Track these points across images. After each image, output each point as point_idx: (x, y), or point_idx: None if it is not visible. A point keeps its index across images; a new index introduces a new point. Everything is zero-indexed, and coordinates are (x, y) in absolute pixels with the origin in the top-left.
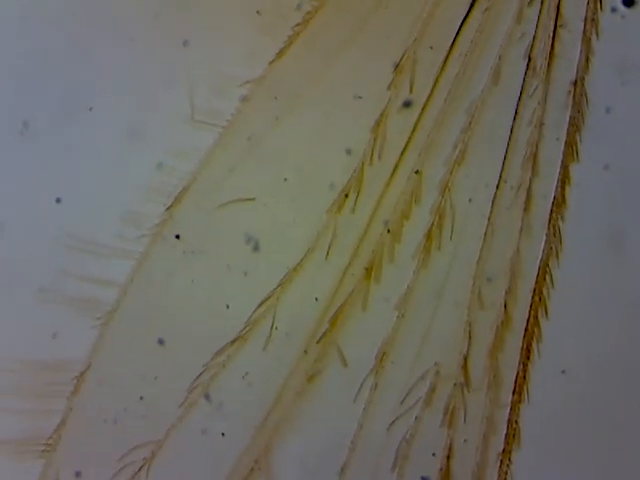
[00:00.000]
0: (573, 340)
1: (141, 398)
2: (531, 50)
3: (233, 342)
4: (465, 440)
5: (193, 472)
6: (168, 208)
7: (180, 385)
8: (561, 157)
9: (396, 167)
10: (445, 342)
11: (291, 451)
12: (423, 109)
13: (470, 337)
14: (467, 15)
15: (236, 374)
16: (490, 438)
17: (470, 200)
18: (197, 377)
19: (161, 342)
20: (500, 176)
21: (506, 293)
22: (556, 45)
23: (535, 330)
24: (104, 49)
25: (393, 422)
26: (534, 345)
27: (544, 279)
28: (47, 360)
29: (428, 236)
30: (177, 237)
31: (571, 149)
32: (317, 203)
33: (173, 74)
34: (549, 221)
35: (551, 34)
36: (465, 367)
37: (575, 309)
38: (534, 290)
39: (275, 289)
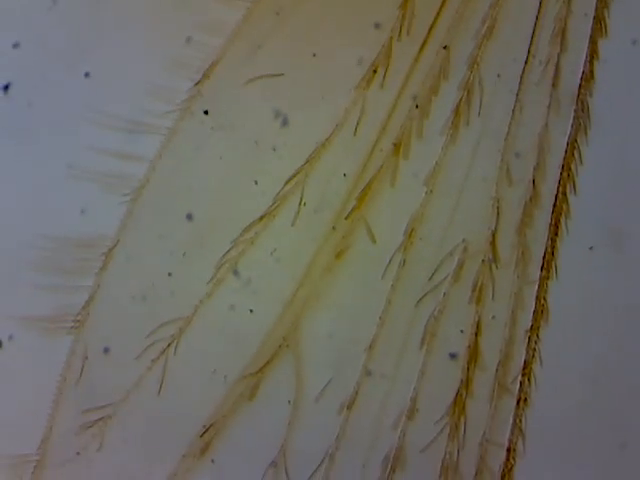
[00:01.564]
0: (600, 216)
1: (169, 274)
2: None
3: (261, 218)
4: (493, 317)
5: (221, 349)
6: (196, 84)
7: (208, 261)
8: (589, 32)
9: (424, 42)
10: (473, 218)
11: (320, 327)
12: None
13: (498, 213)
14: None
15: (264, 250)
16: (518, 314)
17: (498, 76)
18: (225, 253)
19: (190, 218)
20: (528, 51)
21: (534, 169)
22: None
23: (563, 206)
24: None
25: (421, 298)
26: (562, 221)
27: (572, 155)
28: (75, 236)
29: (456, 112)
30: (205, 113)
31: (599, 24)
32: (346, 79)
33: None
34: (577, 97)
35: None
36: (493, 243)
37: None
38: (562, 166)
39: (303, 165)
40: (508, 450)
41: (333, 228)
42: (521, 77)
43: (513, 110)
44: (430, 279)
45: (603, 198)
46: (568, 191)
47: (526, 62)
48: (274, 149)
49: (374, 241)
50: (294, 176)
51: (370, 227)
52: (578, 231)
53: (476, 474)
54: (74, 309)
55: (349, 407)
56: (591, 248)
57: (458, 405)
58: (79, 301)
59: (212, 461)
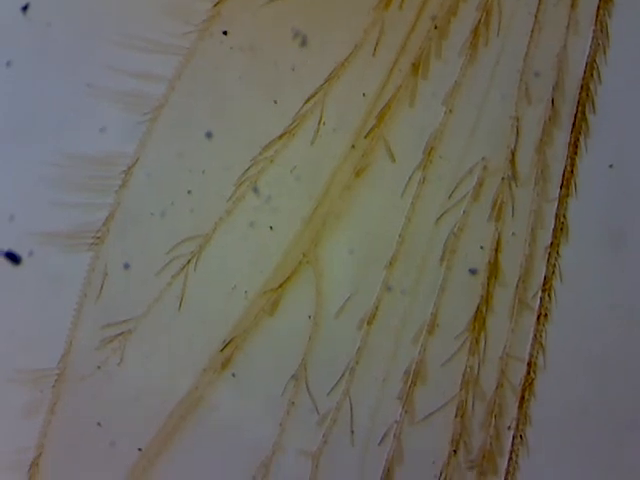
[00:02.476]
0: (622, 136)
1: (189, 192)
2: None
3: (281, 137)
4: (513, 233)
5: (241, 265)
6: (216, 4)
7: (228, 179)
8: None
9: None
10: (493, 137)
11: (340, 244)
12: None
13: (518, 132)
14: None
15: (284, 168)
16: (538, 232)
17: None
18: (245, 171)
19: (209, 136)
20: None
21: (553, 89)
22: None
23: (582, 125)
24: None
25: (441, 216)
26: (582, 140)
27: (591, 75)
28: (95, 154)
29: (475, 32)
30: (224, 33)
31: None
32: None
33: None
34: (596, 17)
35: None
36: (513, 161)
37: None
38: (581, 86)
39: (323, 85)
40: (529, 364)
41: (352, 147)
42: None
43: (532, 31)
44: (450, 197)
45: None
46: (587, 110)
47: None
48: (293, 69)
49: (393, 160)
50: (313, 95)
51: (389, 146)
52: (597, 150)
53: (497, 388)
54: (94, 226)
55: (369, 322)
56: (611, 166)
57: (478, 320)
58: (99, 218)
59: (233, 375)
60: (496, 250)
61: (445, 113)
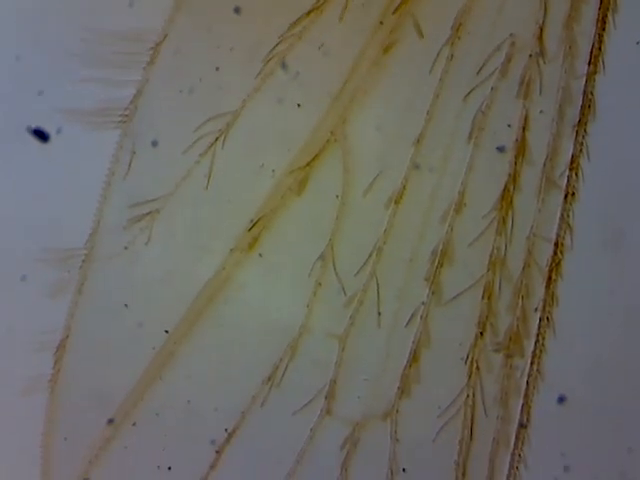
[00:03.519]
0: None
1: (217, 69)
2: None
3: (309, 13)
4: (541, 111)
5: (268, 143)
6: None
7: (256, 55)
8: None
9: None
10: (521, 13)
11: (368, 121)
12: None
13: (546, 8)
14: None
15: (312, 45)
16: (566, 109)
17: None
18: (273, 47)
19: (237, 12)
20: None
21: None
22: None
23: (610, 1)
24: None
25: (469, 93)
26: (610, 16)
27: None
28: (123, 30)
29: None
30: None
31: None
32: None
33: None
34: None
35: None
36: (541, 38)
37: None
38: None
39: None
40: (556, 244)
41: (381, 23)
42: None
43: None
44: (478, 73)
45: None
46: None
47: None
48: None
49: (421, 36)
50: None
51: (417, 22)
52: (625, 27)
53: (524, 269)
54: (122, 103)
55: (397, 201)
56: (638, 43)
57: (506, 199)
58: (127, 95)
59: (260, 255)
60: (524, 128)
61: None
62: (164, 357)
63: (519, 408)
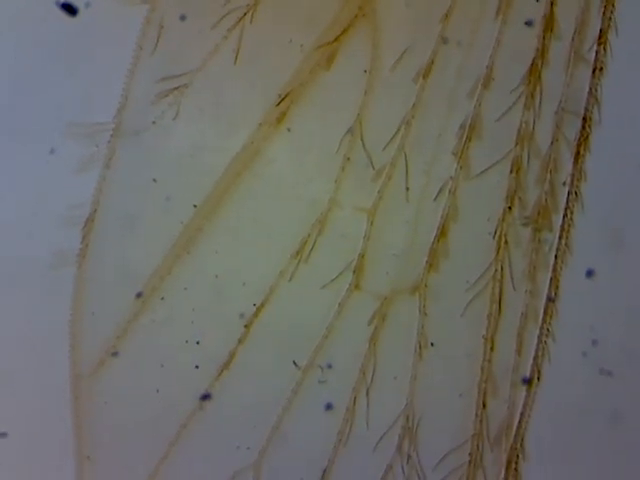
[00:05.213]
0: None
1: None
2: None
3: None
4: None
5: (297, 17)
6: None
7: None
8: None
9: None
10: None
11: None
12: None
13: None
14: None
15: None
16: None
17: None
18: None
19: None
20: None
21: None
22: None
23: None
24: None
25: None
26: None
27: None
28: None
29: None
30: None
31: None
32: None
33: None
34: None
35: None
36: None
37: None
38: None
39: None
40: (584, 119)
41: None
42: None
43: None
44: None
45: None
46: None
47: None
48: None
49: None
50: None
51: None
52: None
53: (552, 143)
54: None
55: (425, 76)
56: None
57: (534, 74)
58: None
59: (288, 130)
60: (552, 3)
61: None
62: (192, 231)
63: (547, 282)
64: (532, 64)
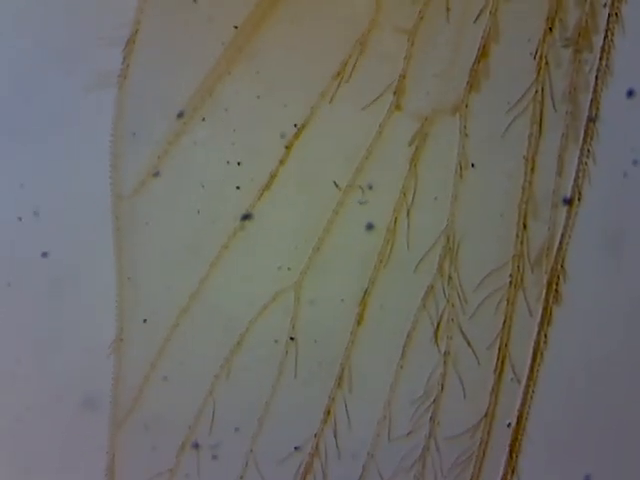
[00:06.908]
0: None
1: None
2: None
3: None
4: None
5: None
6: None
7: None
8: None
9: None
10: None
11: None
12: None
13: None
14: None
15: None
16: None
17: None
18: None
19: None
20: None
21: None
22: None
23: None
24: None
25: None
26: None
27: None
28: None
29: None
30: None
31: None
32: None
33: None
34: None
35: None
36: None
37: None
38: None
39: None
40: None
41: None
42: None
43: None
44: None
45: None
46: None
47: None
48: None
49: None
50: None
51: None
52: None
53: None
54: None
55: None
56: None
57: None
58: None
59: None
60: None
61: None
62: (233, 52)
63: (588, 103)
64: None
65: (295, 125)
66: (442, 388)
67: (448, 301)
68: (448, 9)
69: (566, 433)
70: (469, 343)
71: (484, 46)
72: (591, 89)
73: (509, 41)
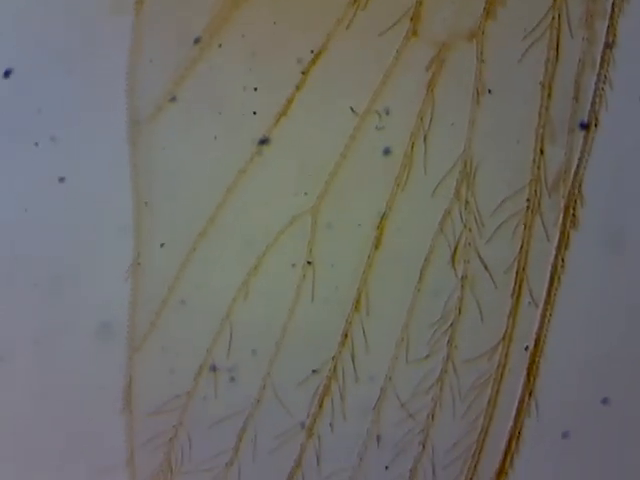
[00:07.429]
0: None
1: None
2: None
3: None
4: None
5: None
6: None
7: None
8: None
9: None
10: None
11: None
12: None
13: None
14: None
15: None
16: None
17: None
18: None
19: None
20: None
21: None
22: None
23: None
24: None
25: None
26: None
27: None
28: None
29: None
30: None
31: None
32: None
33: None
34: None
35: None
36: None
37: None
38: None
39: None
40: None
41: None
42: None
43: None
44: None
45: None
46: None
47: None
48: None
49: None
50: None
51: None
52: None
53: None
54: None
55: None
56: None
57: None
58: None
59: None
60: None
61: None
62: None
63: (605, 29)
64: None
65: (312, 51)
66: (459, 312)
67: (465, 226)
68: None
69: (584, 356)
70: (486, 267)
71: None
72: (608, 16)
73: None
